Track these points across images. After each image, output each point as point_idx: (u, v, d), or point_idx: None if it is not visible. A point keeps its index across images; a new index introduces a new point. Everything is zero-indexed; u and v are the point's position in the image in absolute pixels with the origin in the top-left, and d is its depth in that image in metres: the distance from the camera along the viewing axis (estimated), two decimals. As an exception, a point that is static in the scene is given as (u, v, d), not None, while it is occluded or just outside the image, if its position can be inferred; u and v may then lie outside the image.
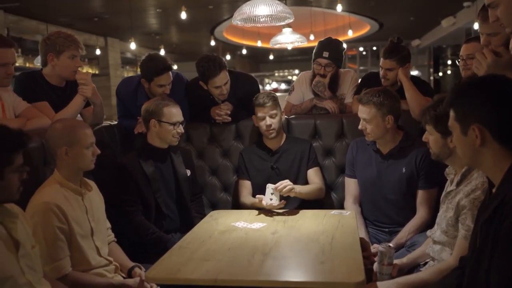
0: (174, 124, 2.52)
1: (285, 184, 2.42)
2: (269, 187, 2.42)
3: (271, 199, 2.39)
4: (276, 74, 22.06)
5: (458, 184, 1.86)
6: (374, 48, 16.54)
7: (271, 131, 2.72)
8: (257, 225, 2.23)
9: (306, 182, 2.75)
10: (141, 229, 2.42)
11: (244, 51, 13.60)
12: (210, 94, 2.92)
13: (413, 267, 2.06)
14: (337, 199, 2.91)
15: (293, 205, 2.61)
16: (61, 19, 9.00)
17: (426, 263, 2.03)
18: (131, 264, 2.16)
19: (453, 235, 1.85)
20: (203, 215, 2.61)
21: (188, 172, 2.71)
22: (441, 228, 1.92)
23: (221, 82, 2.83)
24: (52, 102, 2.57)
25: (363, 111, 2.46)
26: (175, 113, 2.55)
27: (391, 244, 1.97)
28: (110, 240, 2.22)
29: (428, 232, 2.06)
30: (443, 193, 1.99)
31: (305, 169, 2.76)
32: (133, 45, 8.69)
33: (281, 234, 2.07)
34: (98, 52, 10.63)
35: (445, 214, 1.91)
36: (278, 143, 2.81)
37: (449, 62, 15.97)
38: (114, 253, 2.18)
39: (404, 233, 2.39)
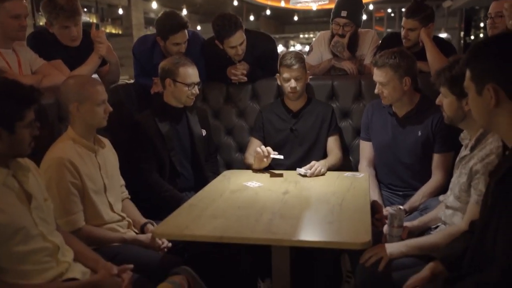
0: (189, 85, 2.51)
1: (315, 167, 2.39)
2: (298, 171, 2.42)
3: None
4: (301, 36, 21.65)
5: (472, 148, 1.82)
6: (403, 9, 15.97)
7: (294, 94, 2.68)
8: (269, 185, 2.23)
9: (324, 147, 2.72)
10: (155, 187, 2.46)
11: (268, 12, 13.34)
12: (227, 53, 2.88)
13: (423, 231, 2.04)
14: (354, 162, 2.88)
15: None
16: (84, -23, 8.96)
17: (437, 227, 2.01)
18: (144, 220, 2.20)
19: (466, 201, 1.81)
20: (217, 175, 2.62)
21: (204, 132, 2.71)
22: (454, 193, 1.88)
23: (237, 42, 2.78)
24: (67, 61, 2.58)
25: (379, 75, 2.39)
26: (191, 73, 2.53)
27: (401, 207, 1.95)
28: (123, 197, 2.27)
29: (441, 197, 2.03)
30: (457, 158, 1.95)
31: (325, 134, 2.73)
32: (154, 4, 8.61)
33: (292, 194, 2.07)
34: (120, 11, 10.58)
35: (458, 179, 1.87)
36: (300, 104, 2.77)
37: (482, 24, 15.36)
38: (127, 210, 2.23)
39: (418, 197, 2.36)
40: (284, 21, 20.08)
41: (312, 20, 20.32)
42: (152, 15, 13.52)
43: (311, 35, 21.92)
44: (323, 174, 2.40)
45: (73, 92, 2.01)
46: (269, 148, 2.45)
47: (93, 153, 2.07)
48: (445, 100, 1.89)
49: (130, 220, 2.17)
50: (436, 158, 2.40)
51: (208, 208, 1.92)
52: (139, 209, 2.29)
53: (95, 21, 10.36)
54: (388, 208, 2.31)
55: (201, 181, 2.63)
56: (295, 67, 2.63)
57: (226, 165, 3.09)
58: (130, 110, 2.81)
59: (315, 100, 2.86)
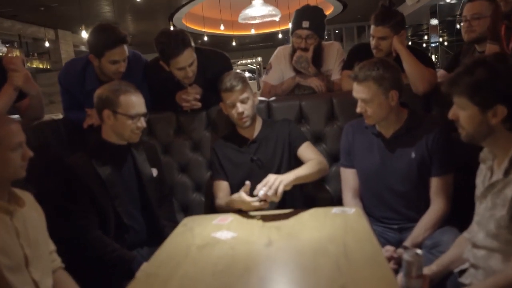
0: (133, 116, 2.03)
1: (269, 184, 1.92)
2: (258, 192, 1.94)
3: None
4: (239, 63, 21.50)
5: (507, 172, 1.45)
6: (337, 31, 16.22)
7: (244, 119, 2.26)
8: (244, 234, 1.77)
9: (293, 168, 2.30)
10: (97, 247, 1.93)
11: (205, 38, 13.02)
12: (174, 76, 2.42)
13: (446, 276, 1.66)
14: (333, 192, 2.48)
15: (280, 202, 2.14)
16: (3, 9, 8.22)
17: (463, 270, 1.63)
18: (83, 298, 1.67)
19: (506, 239, 1.44)
20: (174, 223, 2.14)
21: (154, 172, 2.22)
22: (487, 230, 1.51)
23: (186, 63, 2.34)
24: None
25: (361, 91, 2.03)
26: (135, 102, 2.05)
27: (419, 251, 1.55)
28: (55, 267, 1.72)
29: (466, 234, 1.65)
30: (481, 184, 1.59)
31: (291, 154, 2.31)
32: (84, 34, 8.02)
33: (278, 246, 1.62)
34: (47, 44, 9.85)
35: (491, 212, 1.50)
36: (255, 130, 2.35)
37: (410, 43, 15.72)
38: (61, 285, 1.68)
39: (420, 230, 1.99)
40: (222, 47, 19.83)
41: (248, 46, 20.27)
42: (83, 48, 12.81)
43: (248, 61, 21.86)
44: (291, 184, 1.96)
45: (-26, 136, 1.48)
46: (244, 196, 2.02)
47: (7, 216, 1.52)
48: (463, 113, 1.51)
49: (65, 302, 1.63)
50: (435, 182, 2.05)
51: (172, 278, 1.42)
52: (78, 280, 1.75)
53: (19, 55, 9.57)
54: (390, 248, 1.93)
55: (155, 233, 2.14)
56: (238, 88, 2.23)
57: (183, 208, 2.59)
58: (59, 152, 2.27)
59: (270, 120, 2.47)
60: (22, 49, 10.12)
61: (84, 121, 2.35)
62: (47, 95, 5.51)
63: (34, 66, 10.04)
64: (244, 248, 1.63)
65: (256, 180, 2.28)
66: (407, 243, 1.98)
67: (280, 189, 1.87)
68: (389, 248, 1.94)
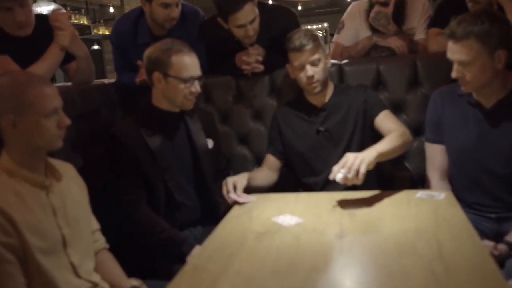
0: (186, 80, 1.78)
1: (348, 164, 1.57)
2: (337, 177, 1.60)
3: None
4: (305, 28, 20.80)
5: None
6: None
7: (314, 84, 1.95)
8: (311, 220, 1.50)
9: (368, 143, 1.97)
10: (145, 226, 1.73)
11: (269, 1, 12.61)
12: (234, 35, 2.14)
13: None
14: (414, 170, 2.14)
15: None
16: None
17: None
18: (128, 284, 1.47)
19: None
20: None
21: (210, 143, 1.98)
22: None
23: (246, 19, 2.04)
24: (16, 56, 1.85)
25: (459, 51, 1.64)
26: (188, 63, 1.79)
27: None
28: (98, 248, 1.53)
29: None
30: None
31: (365, 125, 1.99)
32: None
33: (352, 239, 1.33)
34: (112, 10, 9.85)
35: None
36: (325, 96, 2.03)
37: None
38: (104, 268, 1.49)
39: (528, 223, 1.63)
40: (286, 13, 19.27)
41: (313, 12, 19.56)
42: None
43: (314, 27, 21.13)
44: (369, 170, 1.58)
45: (5, 99, 1.29)
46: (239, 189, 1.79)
47: (43, 191, 1.34)
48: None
49: (107, 287, 1.44)
50: (549, 164, 1.66)
51: (224, 275, 1.18)
52: (123, 262, 1.56)
53: (86, 23, 9.65)
54: (502, 248, 1.58)
55: (210, 211, 1.92)
56: (308, 47, 1.91)
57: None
58: (109, 119, 2.08)
59: (343, 85, 2.14)
60: (88, 16, 10.23)
61: (137, 76, 2.13)
62: (110, 61, 5.44)
63: (101, 32, 10.10)
64: (311, 238, 1.35)
65: (324, 154, 2.00)
66: (510, 237, 1.62)
67: (363, 170, 1.54)
68: (488, 244, 1.60)
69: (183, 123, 1.92)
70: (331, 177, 1.56)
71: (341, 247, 1.27)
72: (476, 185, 1.79)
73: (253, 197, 1.77)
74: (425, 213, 1.46)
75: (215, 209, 1.91)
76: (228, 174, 2.16)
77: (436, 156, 1.90)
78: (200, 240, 1.76)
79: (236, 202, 1.74)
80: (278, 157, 2.06)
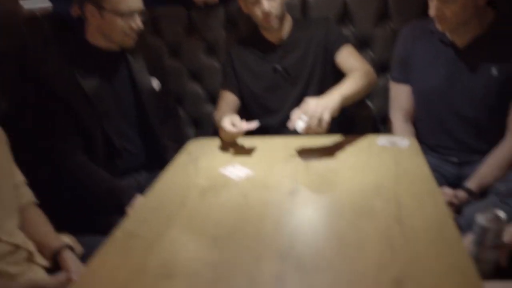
0: (125, 14, 1.54)
1: (314, 108, 1.38)
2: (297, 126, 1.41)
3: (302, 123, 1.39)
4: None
5: None
6: None
7: (272, 21, 1.73)
8: (261, 172, 1.36)
9: (331, 80, 1.81)
10: (81, 177, 1.57)
11: None
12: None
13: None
14: (376, 110, 2.02)
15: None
16: None
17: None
18: (57, 243, 1.32)
19: None
20: (179, 144, 1.74)
21: (155, 83, 1.78)
22: None
23: None
24: None
25: None
26: None
27: (501, 214, 1.11)
28: (24, 203, 1.36)
29: None
30: None
31: (326, 62, 1.81)
32: None
33: (305, 197, 1.20)
34: None
35: None
36: (282, 33, 1.82)
37: None
38: (30, 225, 1.33)
39: (489, 168, 1.54)
40: None
41: None
42: None
43: None
44: (333, 118, 1.40)
45: None
46: (238, 122, 1.53)
47: None
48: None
49: (31, 249, 1.28)
50: (519, 108, 1.55)
51: (157, 243, 1.03)
52: (56, 217, 1.40)
53: None
54: (462, 195, 1.50)
55: (156, 156, 1.76)
56: None
57: (193, 122, 2.19)
58: (41, 59, 1.81)
59: (303, 20, 1.94)
60: None
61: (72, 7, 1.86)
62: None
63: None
64: (260, 196, 1.22)
65: (280, 94, 1.83)
66: (471, 184, 1.53)
67: (326, 117, 1.37)
68: (448, 192, 1.51)
69: (124, 62, 1.70)
70: (290, 125, 1.40)
71: (292, 207, 1.14)
72: (441, 128, 1.68)
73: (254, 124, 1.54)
74: (386, 165, 1.33)
75: (162, 154, 1.76)
76: (177, 115, 2.00)
77: (401, 96, 1.76)
78: (144, 187, 1.62)
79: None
80: (237, 94, 1.88)
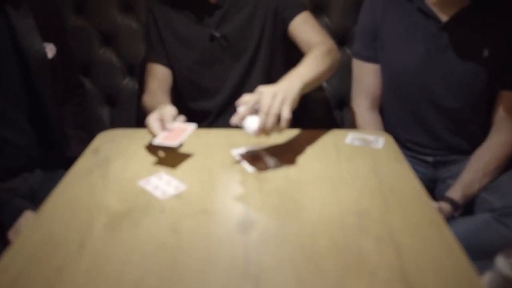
0: None
1: (269, 102, 0.99)
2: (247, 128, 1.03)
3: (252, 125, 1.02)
4: None
5: None
6: None
7: None
8: (198, 189, 0.98)
9: (279, 58, 1.45)
10: None
11: None
12: None
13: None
14: (331, 92, 1.69)
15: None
16: None
17: None
18: None
19: None
20: (85, 133, 1.33)
21: (51, 49, 1.31)
22: None
23: None
24: None
25: None
26: None
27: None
28: None
29: None
30: None
31: (275, 32, 1.44)
32: None
33: (261, 234, 0.84)
34: None
35: None
36: None
37: None
38: None
39: (475, 175, 1.29)
40: None
41: None
42: None
43: None
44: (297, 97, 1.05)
45: None
46: (170, 123, 1.11)
47: None
48: None
49: None
50: (508, 99, 1.28)
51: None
52: None
53: None
54: (445, 208, 1.24)
55: (53, 148, 1.33)
56: None
57: (107, 100, 1.74)
58: None
59: None
60: None
61: None
62: None
63: None
64: (198, 230, 0.84)
65: (217, 69, 1.44)
66: (454, 193, 1.27)
67: (286, 114, 0.99)
68: (431, 205, 1.23)
69: (3, 20, 1.21)
70: (234, 121, 1.02)
71: (247, 252, 0.78)
72: (415, 119, 1.40)
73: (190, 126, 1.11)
74: (363, 177, 1.01)
75: (61, 145, 1.32)
76: (83, 93, 1.55)
77: (367, 78, 1.45)
78: (39, 191, 1.22)
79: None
80: (168, 65, 1.46)
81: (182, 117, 1.12)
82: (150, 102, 1.33)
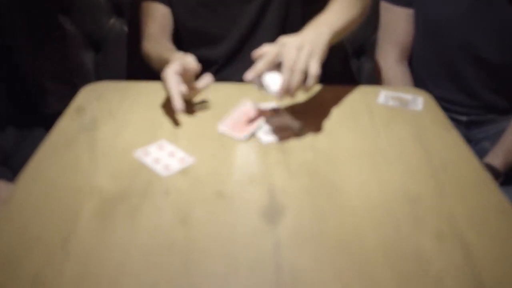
0: None
1: (294, 57, 0.80)
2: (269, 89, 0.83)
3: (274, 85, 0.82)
4: None
5: None
6: None
7: None
8: (209, 164, 0.80)
9: (297, 3, 1.22)
10: None
11: None
12: None
13: None
14: (349, 40, 1.48)
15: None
16: None
17: None
18: None
19: None
20: (66, 85, 1.13)
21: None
22: None
23: None
24: None
25: None
26: None
27: None
28: None
29: None
30: None
31: None
32: None
33: (294, 221, 0.67)
34: None
35: None
36: None
37: None
38: None
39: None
40: None
41: None
42: None
43: None
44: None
45: None
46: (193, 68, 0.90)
47: None
48: None
49: None
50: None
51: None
52: None
53: None
54: None
55: (28, 104, 1.12)
56: None
57: (91, 44, 1.50)
58: None
59: None
60: None
61: None
62: None
63: None
64: (212, 219, 0.67)
65: (224, 12, 1.21)
66: (494, 159, 1.12)
67: (315, 71, 0.80)
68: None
69: None
70: (248, 77, 0.82)
71: (277, 249, 0.62)
72: (450, 74, 1.22)
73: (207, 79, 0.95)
74: (409, 151, 0.84)
75: (37, 99, 1.13)
76: (64, 36, 1.32)
77: (397, 25, 1.25)
78: (12, 156, 1.05)
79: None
80: (168, 4, 1.22)
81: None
82: (153, 49, 1.10)
